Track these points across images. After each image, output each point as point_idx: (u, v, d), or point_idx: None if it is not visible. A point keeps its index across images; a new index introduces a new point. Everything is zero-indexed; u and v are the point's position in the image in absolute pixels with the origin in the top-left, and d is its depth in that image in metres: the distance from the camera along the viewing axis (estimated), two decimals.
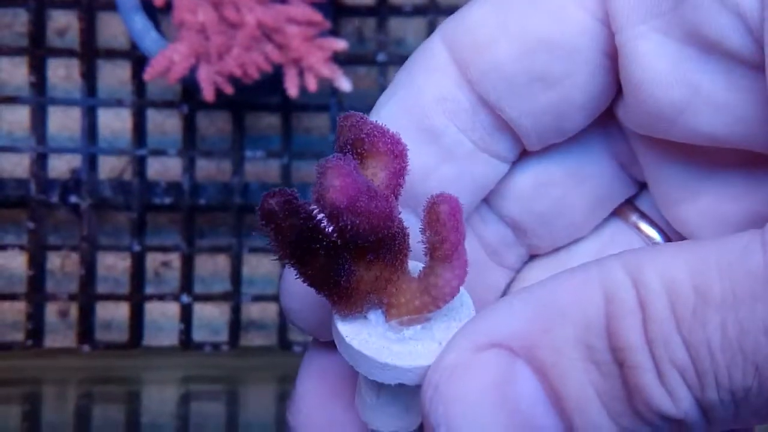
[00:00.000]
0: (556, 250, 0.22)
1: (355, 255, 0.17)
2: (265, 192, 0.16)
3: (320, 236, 0.16)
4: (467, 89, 0.19)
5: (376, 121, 0.18)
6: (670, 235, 0.22)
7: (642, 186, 0.22)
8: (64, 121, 0.60)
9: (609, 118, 0.20)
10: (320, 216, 0.16)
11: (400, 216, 0.17)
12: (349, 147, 0.17)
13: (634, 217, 0.22)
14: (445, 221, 0.16)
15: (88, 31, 0.58)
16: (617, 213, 0.22)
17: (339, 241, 0.16)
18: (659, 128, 0.18)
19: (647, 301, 0.15)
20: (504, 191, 0.21)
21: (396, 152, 0.17)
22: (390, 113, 0.19)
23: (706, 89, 0.17)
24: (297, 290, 0.19)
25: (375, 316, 0.18)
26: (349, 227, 0.16)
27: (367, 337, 0.18)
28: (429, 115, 0.19)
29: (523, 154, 0.20)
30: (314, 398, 0.21)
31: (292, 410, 0.21)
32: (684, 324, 0.14)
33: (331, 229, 0.16)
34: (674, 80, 0.17)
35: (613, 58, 0.18)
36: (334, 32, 0.57)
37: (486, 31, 0.18)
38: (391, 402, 0.19)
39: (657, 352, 0.14)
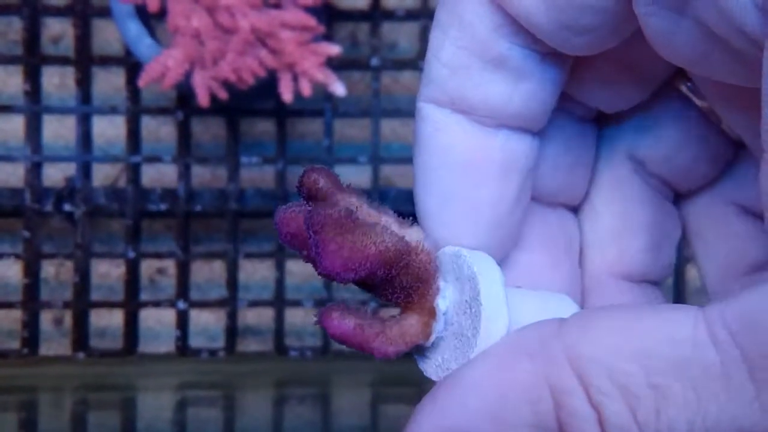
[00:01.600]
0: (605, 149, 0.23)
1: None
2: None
3: None
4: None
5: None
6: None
7: None
8: (58, 130, 0.60)
9: None
10: None
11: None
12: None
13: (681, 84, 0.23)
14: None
15: (83, 38, 0.59)
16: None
17: None
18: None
19: (602, 406, 0.15)
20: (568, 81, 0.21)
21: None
22: (451, 55, 0.19)
23: (717, 58, 0.17)
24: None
25: None
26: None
27: None
28: (491, 46, 0.19)
29: None
30: None
31: None
32: (648, 428, 0.15)
33: None
34: (686, 47, 0.17)
35: None
36: (328, 37, 0.58)
37: None
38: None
39: None
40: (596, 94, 0.22)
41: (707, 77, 0.19)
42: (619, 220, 0.23)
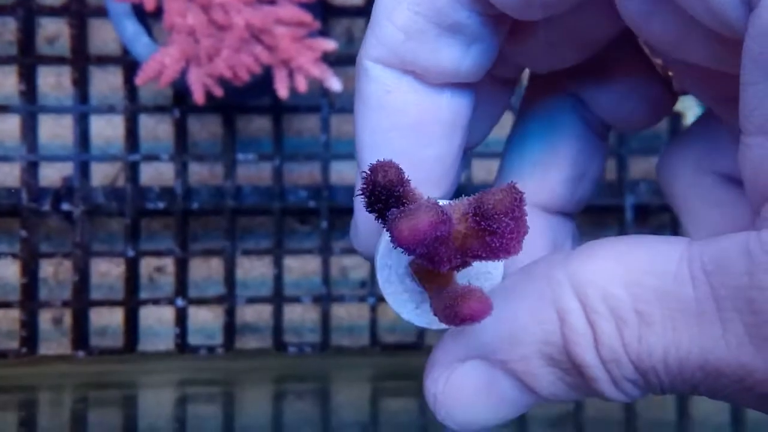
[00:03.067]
0: (548, 84, 0.24)
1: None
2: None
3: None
4: None
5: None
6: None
7: None
8: (55, 129, 0.60)
9: None
10: None
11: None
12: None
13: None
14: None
15: (79, 37, 0.59)
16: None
17: None
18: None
19: (596, 324, 0.17)
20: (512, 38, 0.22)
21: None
22: (407, 20, 0.19)
23: (693, 42, 0.18)
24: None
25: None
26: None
27: (390, 284, 0.20)
28: (450, 14, 0.19)
29: None
30: (368, 232, 0.22)
31: (353, 238, 0.23)
32: (632, 350, 0.17)
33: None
34: (662, 31, 0.18)
35: None
36: (324, 32, 0.58)
37: None
38: None
39: (611, 370, 0.17)
40: (534, 56, 0.22)
41: (680, 60, 0.19)
42: (546, 151, 0.24)
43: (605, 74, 0.23)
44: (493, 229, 0.17)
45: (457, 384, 0.19)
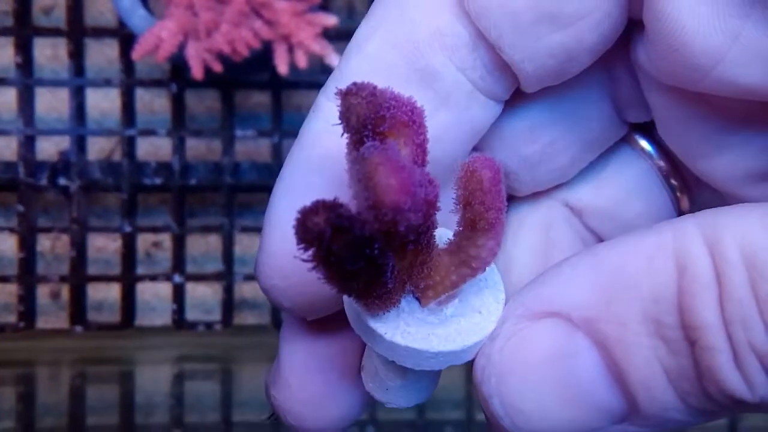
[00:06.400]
0: (535, 194, 0.21)
1: (396, 250, 0.15)
2: (302, 208, 0.13)
3: (371, 246, 0.14)
4: (467, 21, 0.16)
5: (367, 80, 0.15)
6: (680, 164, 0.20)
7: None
8: (51, 102, 0.60)
9: (613, 57, 0.18)
10: (368, 225, 0.13)
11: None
12: (364, 127, 0.14)
13: (638, 142, 0.20)
14: (489, 189, 0.15)
15: (75, 8, 0.58)
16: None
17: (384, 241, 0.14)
18: (690, 78, 0.16)
19: (725, 275, 0.13)
20: (492, 133, 0.18)
21: (418, 122, 0.15)
22: (377, 50, 0.17)
23: (748, 37, 0.15)
24: (280, 265, 0.17)
25: (407, 303, 0.17)
26: (404, 226, 0.13)
27: (406, 327, 0.16)
28: (424, 54, 0.16)
29: (516, 93, 0.18)
30: (303, 372, 0.19)
31: (276, 385, 0.19)
32: (766, 306, 0.13)
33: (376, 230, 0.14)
34: (714, 27, 0.15)
35: None
36: (324, 7, 0.57)
37: None
38: (418, 380, 0.18)
39: (734, 334, 0.13)
40: (511, 179, 0.19)
41: (722, 88, 0.16)
42: (540, 269, 0.19)
43: (601, 178, 0.20)
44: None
45: (523, 346, 0.15)
